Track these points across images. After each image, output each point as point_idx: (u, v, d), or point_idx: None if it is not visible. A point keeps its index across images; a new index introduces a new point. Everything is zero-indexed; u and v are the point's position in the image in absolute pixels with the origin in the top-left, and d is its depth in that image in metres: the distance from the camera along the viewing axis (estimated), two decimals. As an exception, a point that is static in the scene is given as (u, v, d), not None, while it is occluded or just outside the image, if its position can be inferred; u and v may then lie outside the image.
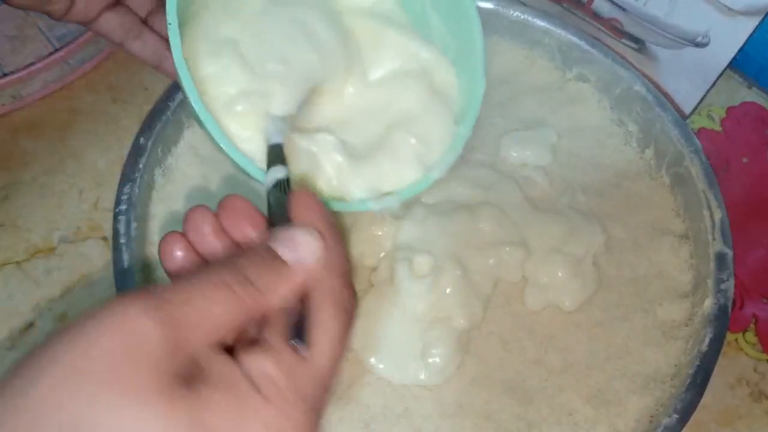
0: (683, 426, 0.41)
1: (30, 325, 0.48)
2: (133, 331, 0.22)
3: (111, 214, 0.46)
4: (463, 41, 0.42)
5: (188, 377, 0.22)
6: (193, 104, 0.34)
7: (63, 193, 0.53)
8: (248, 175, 0.35)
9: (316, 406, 0.25)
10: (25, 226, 0.52)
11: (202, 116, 0.34)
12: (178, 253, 0.29)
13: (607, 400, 0.44)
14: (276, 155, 0.34)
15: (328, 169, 0.38)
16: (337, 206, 0.38)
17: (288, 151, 0.35)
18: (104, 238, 0.51)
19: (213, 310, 0.24)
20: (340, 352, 0.26)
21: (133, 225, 0.45)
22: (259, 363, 0.24)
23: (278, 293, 0.26)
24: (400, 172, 0.39)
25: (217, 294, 0.24)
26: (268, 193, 0.32)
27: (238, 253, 0.28)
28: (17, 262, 0.50)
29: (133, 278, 0.44)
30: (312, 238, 0.27)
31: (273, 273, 0.26)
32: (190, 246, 0.30)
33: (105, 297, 0.49)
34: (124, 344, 0.21)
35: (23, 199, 0.53)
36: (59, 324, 0.48)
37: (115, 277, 0.44)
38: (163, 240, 0.30)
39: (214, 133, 0.34)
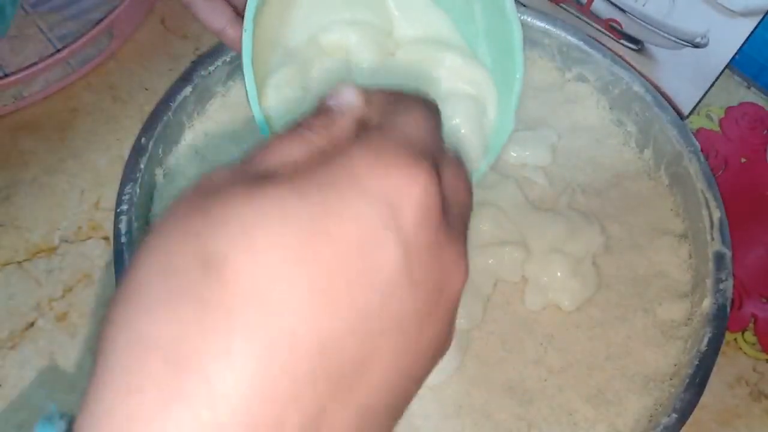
0: (682, 425, 0.41)
1: (31, 324, 0.48)
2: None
3: (112, 214, 0.46)
4: (504, 75, 0.43)
5: None
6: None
7: (64, 192, 0.53)
8: None
9: None
10: (26, 226, 0.52)
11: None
12: None
13: (606, 400, 0.44)
14: None
15: None
16: None
17: None
18: (105, 238, 0.51)
19: (286, 150, 0.24)
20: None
21: (135, 225, 0.45)
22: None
23: (335, 127, 0.26)
24: None
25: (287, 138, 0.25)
26: None
27: None
28: (18, 262, 0.50)
29: (134, 278, 0.44)
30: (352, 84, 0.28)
31: (323, 117, 0.27)
32: None
33: (106, 297, 0.49)
34: None
35: (24, 199, 0.53)
36: (60, 324, 0.48)
37: (117, 277, 0.44)
38: None
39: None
